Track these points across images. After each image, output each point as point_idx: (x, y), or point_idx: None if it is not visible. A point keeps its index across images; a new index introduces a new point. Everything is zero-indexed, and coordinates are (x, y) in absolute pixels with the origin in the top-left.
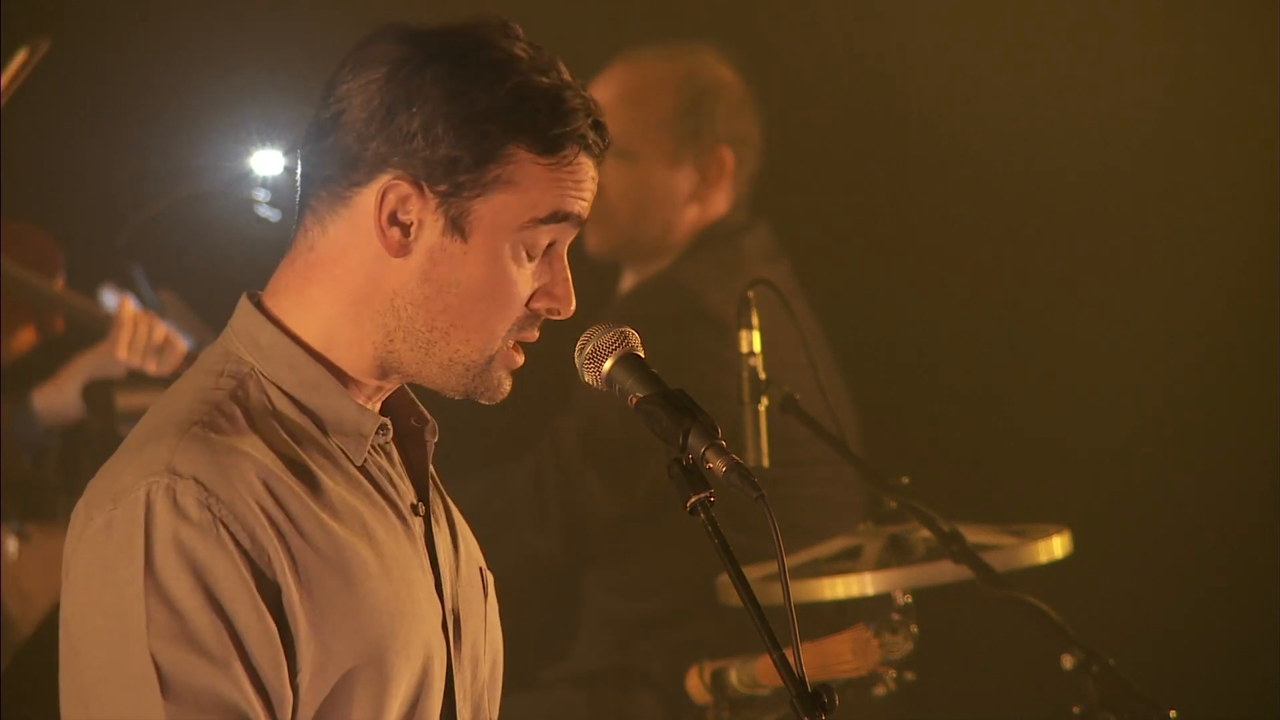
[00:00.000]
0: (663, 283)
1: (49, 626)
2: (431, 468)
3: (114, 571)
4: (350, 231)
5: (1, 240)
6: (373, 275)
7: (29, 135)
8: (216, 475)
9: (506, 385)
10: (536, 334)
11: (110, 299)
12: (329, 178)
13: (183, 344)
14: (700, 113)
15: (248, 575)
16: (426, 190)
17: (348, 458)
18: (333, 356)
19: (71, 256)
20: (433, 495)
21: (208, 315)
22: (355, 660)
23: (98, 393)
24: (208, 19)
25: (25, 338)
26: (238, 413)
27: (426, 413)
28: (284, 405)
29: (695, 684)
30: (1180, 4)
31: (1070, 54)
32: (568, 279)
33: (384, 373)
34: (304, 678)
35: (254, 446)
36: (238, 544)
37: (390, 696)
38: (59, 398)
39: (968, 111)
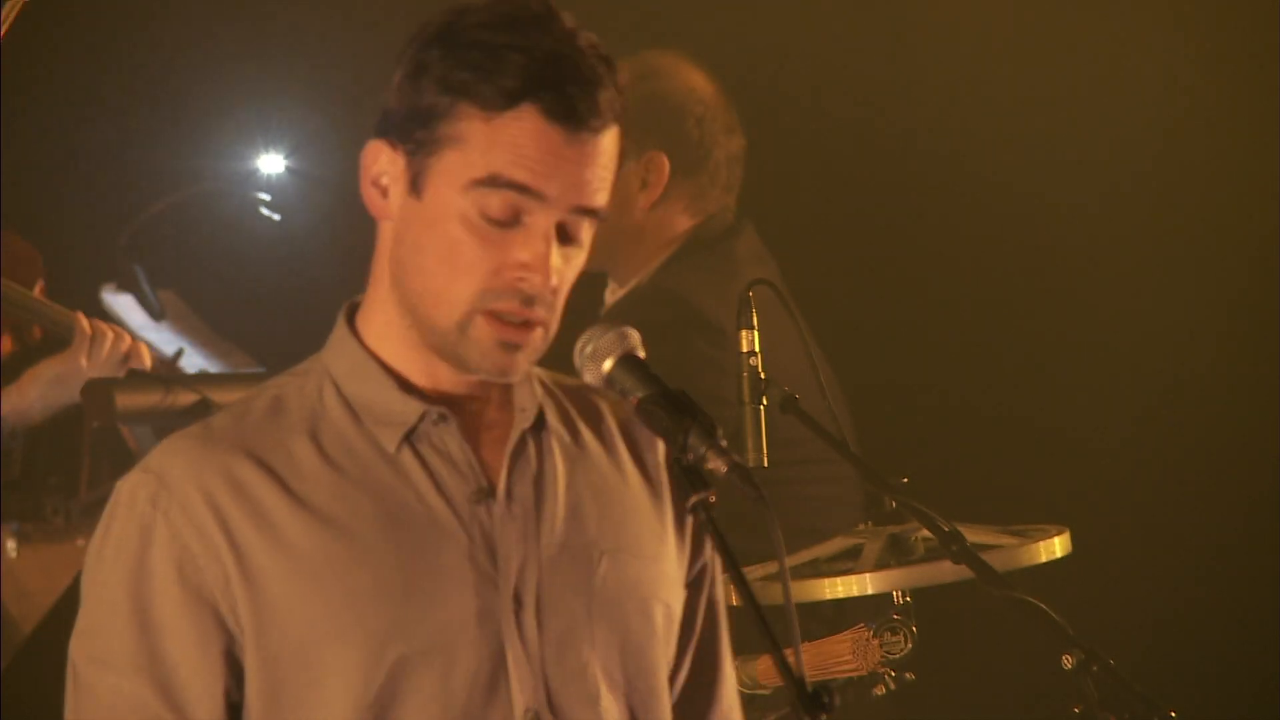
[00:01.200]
0: (653, 289)
1: (49, 626)
2: (575, 451)
3: (87, 562)
4: None
5: None
6: (382, 249)
7: (31, 134)
8: (178, 470)
9: (503, 360)
10: (529, 310)
11: (114, 299)
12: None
13: (149, 359)
14: (638, 119)
15: (180, 569)
16: (399, 149)
17: (380, 448)
18: (386, 350)
19: (72, 256)
20: (519, 479)
21: (208, 315)
22: (329, 645)
23: (98, 392)
24: (212, 20)
25: (3, 346)
26: (261, 407)
27: (531, 401)
28: (331, 399)
29: None
30: (1180, 10)
31: (1063, 54)
32: (540, 251)
33: (425, 354)
34: (257, 665)
35: (246, 441)
36: (178, 538)
37: (385, 677)
38: (20, 401)
39: (960, 111)
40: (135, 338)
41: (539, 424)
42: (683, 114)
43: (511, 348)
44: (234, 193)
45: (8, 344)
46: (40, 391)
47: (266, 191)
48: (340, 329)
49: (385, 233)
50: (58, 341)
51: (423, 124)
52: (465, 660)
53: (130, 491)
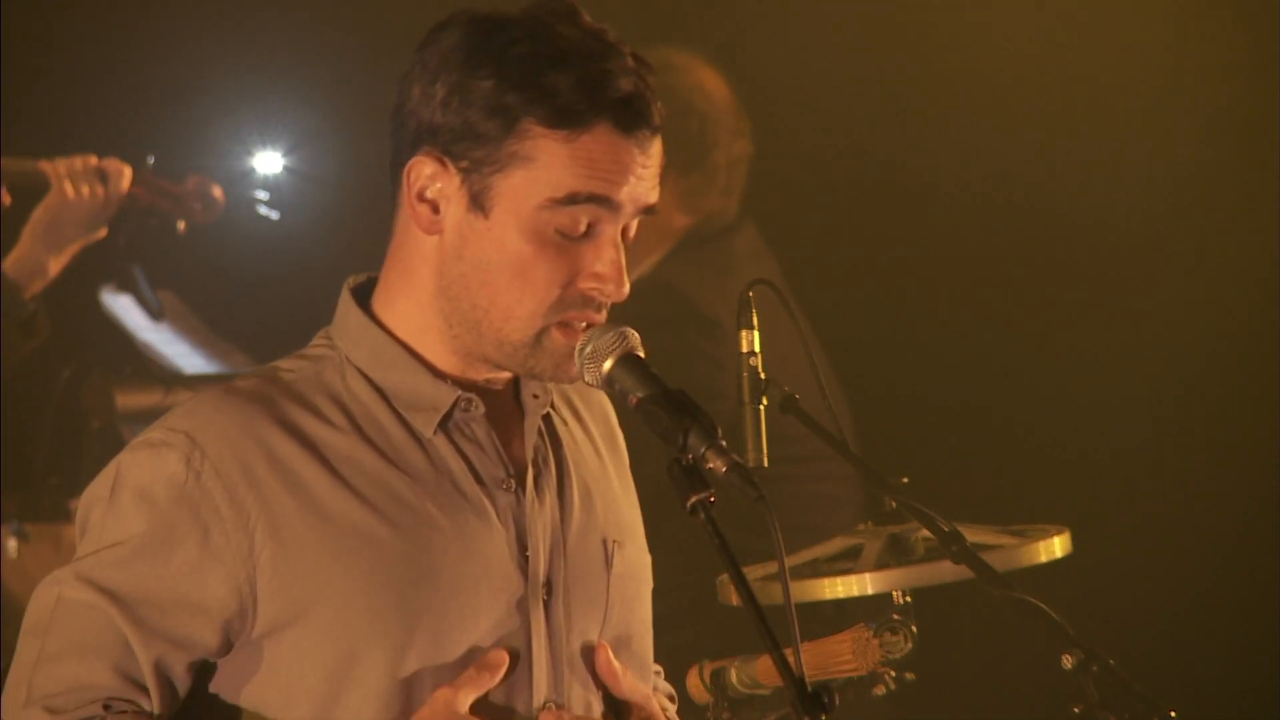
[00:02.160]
0: (653, 284)
1: None
2: (570, 439)
3: (84, 515)
4: (404, 216)
5: None
6: (423, 258)
7: (30, 135)
8: (213, 433)
9: (573, 365)
10: (598, 315)
11: (113, 299)
12: (393, 164)
13: (126, 168)
14: None
15: (207, 532)
16: (450, 166)
17: (414, 433)
18: (417, 344)
19: (71, 256)
20: (544, 467)
21: (208, 315)
22: (367, 622)
23: (98, 392)
24: (209, 19)
25: None
26: (284, 383)
27: (542, 387)
28: (357, 385)
29: (695, 684)
30: (1190, 16)
31: (1069, 61)
32: (614, 259)
33: (465, 358)
34: (266, 632)
35: (279, 415)
36: (210, 500)
37: (419, 661)
38: (28, 261)
39: (962, 108)
40: (135, 339)
41: (547, 412)
42: (686, 110)
43: None
44: (232, 192)
45: None
46: (40, 239)
47: (264, 190)
48: (356, 316)
49: (427, 245)
50: (28, 197)
51: (481, 143)
52: (492, 644)
53: (157, 449)
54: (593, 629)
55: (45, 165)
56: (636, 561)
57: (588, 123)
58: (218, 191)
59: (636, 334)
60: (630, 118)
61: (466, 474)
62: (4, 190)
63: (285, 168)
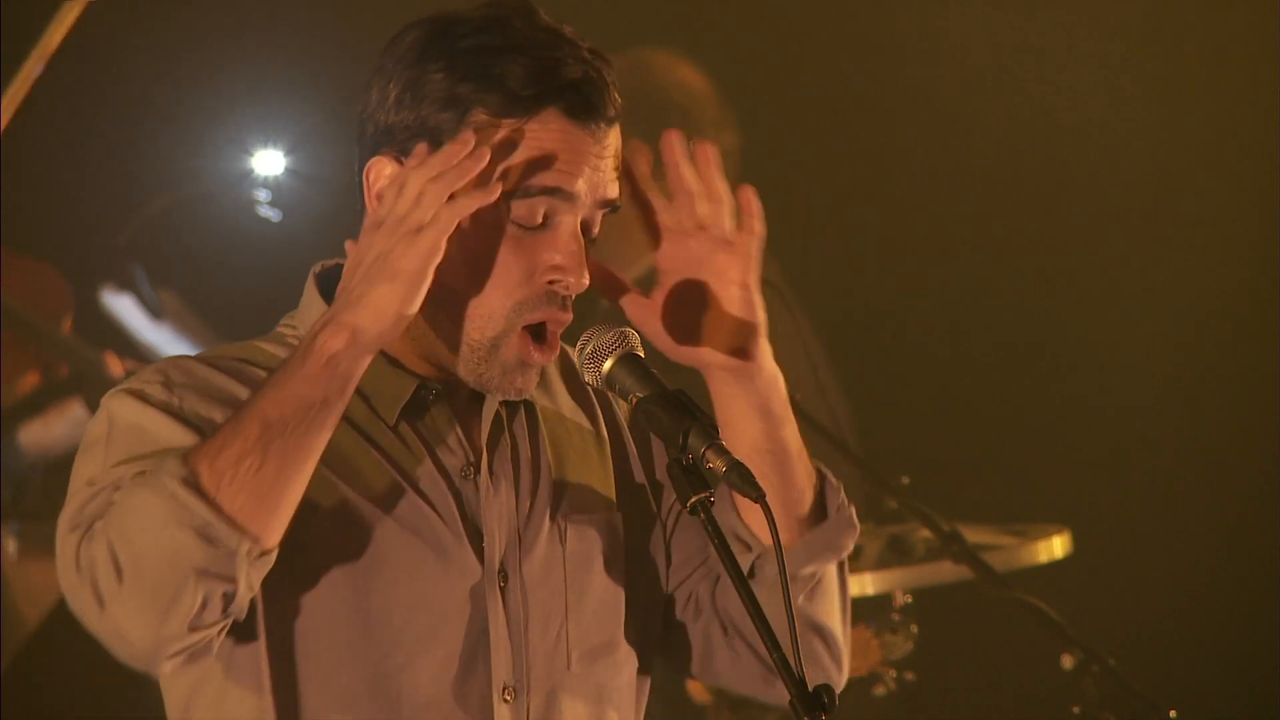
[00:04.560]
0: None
1: (50, 626)
2: (529, 415)
3: (82, 452)
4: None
5: (10, 277)
6: None
7: (31, 136)
8: (185, 378)
9: (521, 380)
10: (565, 314)
11: (114, 299)
12: (358, 169)
13: None
14: (624, 112)
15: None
16: (405, 164)
17: (381, 418)
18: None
19: (72, 256)
20: (499, 455)
21: (208, 315)
22: (325, 613)
23: (98, 392)
24: (209, 20)
25: (29, 381)
26: (256, 366)
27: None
28: None
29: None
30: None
31: (1065, 51)
32: (573, 250)
33: (423, 357)
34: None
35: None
36: (188, 420)
37: (380, 654)
38: (46, 435)
39: (960, 108)
40: (135, 339)
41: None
42: (667, 108)
43: (531, 367)
44: (233, 193)
45: (34, 379)
46: (67, 430)
47: (266, 190)
48: (319, 307)
49: None
50: (85, 381)
51: (434, 137)
52: (452, 636)
53: (136, 392)
54: (559, 613)
55: (110, 363)
56: (597, 535)
57: (536, 109)
58: None
59: (636, 334)
60: (581, 104)
61: (430, 464)
62: (65, 365)
63: (286, 168)
